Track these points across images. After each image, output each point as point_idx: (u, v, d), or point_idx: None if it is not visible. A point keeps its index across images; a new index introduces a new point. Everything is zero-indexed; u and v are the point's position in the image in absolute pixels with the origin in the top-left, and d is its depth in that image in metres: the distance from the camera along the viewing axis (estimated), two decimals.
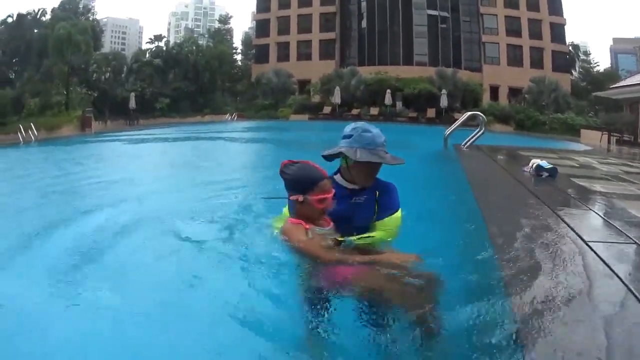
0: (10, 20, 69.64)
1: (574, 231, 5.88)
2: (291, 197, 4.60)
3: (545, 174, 11.11)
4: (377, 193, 4.85)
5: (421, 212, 6.81)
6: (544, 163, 11.48)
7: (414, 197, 8.76)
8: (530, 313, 3.53)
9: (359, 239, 4.63)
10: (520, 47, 73.61)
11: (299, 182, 4.56)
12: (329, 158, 4.94)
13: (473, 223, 6.60)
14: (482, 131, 19.89)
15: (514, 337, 3.26)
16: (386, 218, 4.83)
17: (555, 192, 9.49)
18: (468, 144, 19.55)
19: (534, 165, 11.46)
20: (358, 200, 4.80)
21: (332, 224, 4.71)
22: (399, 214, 4.87)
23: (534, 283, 4.08)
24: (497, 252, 5.01)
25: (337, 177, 4.86)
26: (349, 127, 4.85)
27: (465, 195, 8.89)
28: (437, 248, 4.82)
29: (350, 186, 4.81)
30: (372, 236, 4.70)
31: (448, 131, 20.18)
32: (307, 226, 4.48)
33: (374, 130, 4.75)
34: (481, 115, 20.89)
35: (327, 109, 61.89)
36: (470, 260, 4.77)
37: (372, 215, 4.82)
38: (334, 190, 4.62)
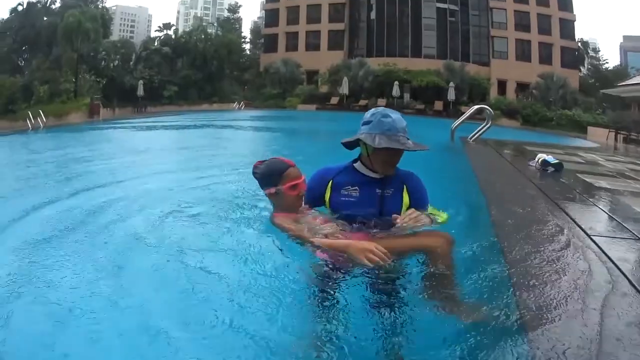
0: (20, 8, 69.40)
1: (578, 224, 5.91)
2: (265, 192, 4.86)
3: (551, 169, 11.10)
4: (406, 187, 4.78)
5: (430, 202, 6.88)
6: (550, 158, 11.49)
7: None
8: (532, 301, 3.59)
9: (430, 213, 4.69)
10: (529, 42, 73.15)
11: (267, 176, 4.81)
12: (348, 146, 4.86)
13: (478, 214, 6.67)
14: (488, 125, 19.87)
15: (514, 323, 3.33)
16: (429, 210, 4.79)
17: (560, 187, 9.43)
18: (475, 137, 19.57)
19: (540, 160, 11.45)
20: (387, 193, 4.70)
21: (312, 210, 4.83)
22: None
23: (537, 272, 4.13)
24: (501, 242, 5.04)
25: (358, 165, 4.79)
26: (368, 113, 4.70)
27: (471, 187, 8.95)
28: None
29: (372, 175, 4.71)
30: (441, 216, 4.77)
31: (455, 124, 20.14)
32: (298, 216, 4.65)
33: (394, 115, 4.57)
34: (488, 109, 20.80)
35: (334, 100, 61.82)
36: (475, 250, 4.72)
37: (400, 209, 4.70)
38: (303, 176, 4.83)
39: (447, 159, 16.08)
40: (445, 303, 3.79)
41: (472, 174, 10.91)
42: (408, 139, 4.49)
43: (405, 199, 4.74)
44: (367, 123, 4.59)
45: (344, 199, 4.72)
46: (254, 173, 4.93)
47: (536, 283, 3.93)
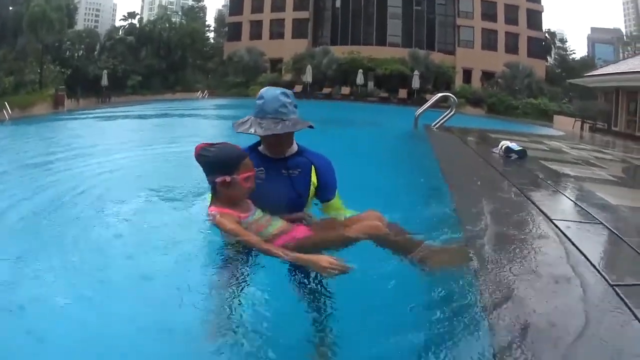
0: None
1: (540, 210, 6.16)
2: (218, 180, 4.42)
3: (514, 156, 11.40)
4: (314, 167, 4.77)
5: (388, 190, 7.08)
6: (514, 145, 11.77)
7: (381, 175, 9.00)
8: (495, 285, 3.75)
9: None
10: (496, 31, 73.59)
11: (223, 162, 4.43)
12: None
13: (441, 201, 6.76)
14: (452, 112, 20.00)
15: (478, 307, 3.46)
16: (335, 198, 4.87)
17: (523, 173, 9.68)
18: (438, 124, 19.63)
19: (503, 147, 11.73)
20: (293, 173, 4.69)
21: (252, 205, 4.59)
22: (337, 193, 4.92)
23: (500, 256, 4.30)
24: (464, 228, 5.15)
25: (261, 147, 4.77)
26: None
27: (434, 174, 9.07)
28: (404, 225, 4.55)
29: (273, 155, 4.71)
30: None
31: (419, 111, 20.28)
32: (242, 215, 4.42)
33: (268, 94, 4.53)
34: (452, 97, 20.98)
35: (298, 88, 61.08)
36: (436, 237, 4.56)
37: (307, 191, 4.74)
38: (255, 169, 4.55)
39: (410, 146, 16.56)
40: (425, 261, 4.02)
41: (434, 161, 11.11)
42: (283, 120, 4.44)
43: (314, 178, 4.76)
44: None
45: None
46: (201, 156, 4.50)
47: (498, 267, 4.09)
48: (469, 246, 4.50)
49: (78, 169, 9.96)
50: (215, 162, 4.41)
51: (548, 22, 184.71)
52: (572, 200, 7.32)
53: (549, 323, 3.18)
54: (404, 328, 3.33)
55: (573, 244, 4.71)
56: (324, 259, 3.84)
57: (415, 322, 3.39)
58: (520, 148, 11.69)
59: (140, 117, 31.31)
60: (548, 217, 5.72)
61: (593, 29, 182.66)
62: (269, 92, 4.55)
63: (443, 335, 3.19)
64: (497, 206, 6.37)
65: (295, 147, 4.82)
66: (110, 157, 11.44)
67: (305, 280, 3.96)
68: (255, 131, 4.41)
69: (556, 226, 5.35)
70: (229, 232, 4.23)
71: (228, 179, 4.35)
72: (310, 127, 4.60)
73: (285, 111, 4.44)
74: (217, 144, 4.52)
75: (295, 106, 4.60)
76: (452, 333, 3.20)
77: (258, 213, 4.52)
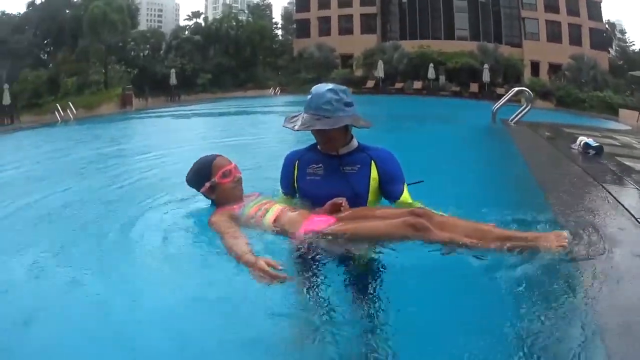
0: (38, 1, 68.41)
1: (627, 209, 5.96)
2: (202, 192, 4.87)
3: (592, 152, 11.31)
4: (374, 162, 4.69)
5: (481, 183, 7.71)
6: (591, 141, 11.68)
7: (470, 169, 9.56)
8: (586, 283, 3.75)
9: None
10: (559, 23, 71.62)
11: (198, 174, 4.87)
12: None
13: (532, 195, 7.01)
14: (528, 107, 20.39)
15: (571, 307, 3.49)
16: (405, 193, 4.72)
17: (603, 170, 9.42)
18: (515, 119, 19.95)
19: (582, 143, 11.67)
20: (352, 170, 4.65)
21: (251, 197, 4.81)
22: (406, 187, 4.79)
23: (593, 252, 4.12)
24: (559, 221, 5.11)
25: (320, 146, 4.80)
26: None
27: (521, 169, 9.55)
28: (497, 219, 4.51)
29: (326, 151, 4.77)
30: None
31: (496, 106, 20.56)
32: (235, 207, 4.64)
33: (316, 90, 4.59)
34: (527, 91, 21.70)
35: (370, 83, 60.96)
36: (534, 228, 4.48)
37: (366, 189, 4.66)
38: (233, 163, 4.84)
39: (492, 140, 16.94)
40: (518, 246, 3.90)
41: (519, 156, 11.69)
42: (326, 117, 4.45)
43: (374, 173, 4.67)
44: None
45: (309, 178, 4.75)
46: (186, 181, 5.00)
47: (592, 260, 4.01)
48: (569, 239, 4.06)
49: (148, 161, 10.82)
50: (194, 177, 4.90)
51: (607, 13, 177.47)
52: None
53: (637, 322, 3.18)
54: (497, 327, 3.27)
55: None
56: (258, 265, 3.75)
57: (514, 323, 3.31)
58: (598, 144, 11.53)
59: (211, 114, 32.11)
60: (634, 217, 5.53)
61: None
62: (318, 88, 4.60)
63: (546, 333, 3.16)
64: (586, 204, 6.36)
65: (354, 144, 4.77)
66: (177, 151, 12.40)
67: (363, 288, 3.84)
68: (293, 126, 4.50)
69: None
70: (218, 233, 4.34)
71: (207, 185, 4.75)
72: (354, 126, 4.62)
73: (329, 108, 4.42)
74: (194, 163, 4.95)
75: (347, 104, 4.52)
76: (558, 331, 3.21)
77: (256, 201, 4.67)
